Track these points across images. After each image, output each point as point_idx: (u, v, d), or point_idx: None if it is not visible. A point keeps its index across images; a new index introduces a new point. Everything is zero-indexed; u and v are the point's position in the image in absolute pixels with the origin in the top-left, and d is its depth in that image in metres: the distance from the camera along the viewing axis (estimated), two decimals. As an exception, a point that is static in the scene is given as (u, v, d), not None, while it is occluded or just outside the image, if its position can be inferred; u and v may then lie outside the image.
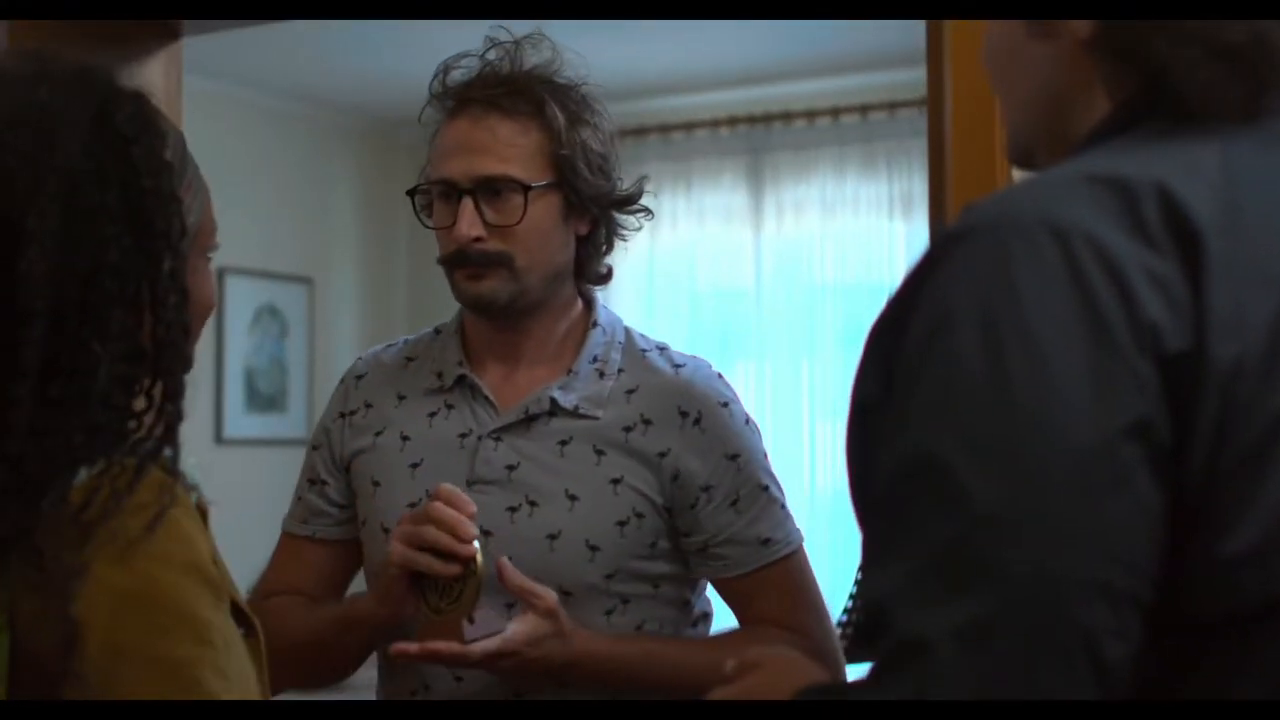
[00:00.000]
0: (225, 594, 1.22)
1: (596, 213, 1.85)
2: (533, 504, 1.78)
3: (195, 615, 1.17)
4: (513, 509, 1.77)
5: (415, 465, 1.83)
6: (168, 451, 1.21)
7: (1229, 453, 0.88)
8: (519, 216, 1.79)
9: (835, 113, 5.64)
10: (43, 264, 1.15)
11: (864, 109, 5.59)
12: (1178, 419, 0.88)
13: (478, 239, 1.78)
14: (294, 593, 1.88)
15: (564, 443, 1.81)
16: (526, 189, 1.80)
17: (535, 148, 1.81)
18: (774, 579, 1.85)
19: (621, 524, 1.79)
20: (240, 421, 5.86)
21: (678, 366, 1.88)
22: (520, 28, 1.88)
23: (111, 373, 1.18)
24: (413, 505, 1.77)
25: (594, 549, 1.78)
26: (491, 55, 1.83)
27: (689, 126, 5.86)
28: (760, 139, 5.79)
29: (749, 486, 1.84)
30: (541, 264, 1.82)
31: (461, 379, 1.85)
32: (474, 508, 1.69)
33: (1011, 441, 0.87)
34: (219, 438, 5.77)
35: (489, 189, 1.79)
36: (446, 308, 1.96)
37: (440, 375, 1.86)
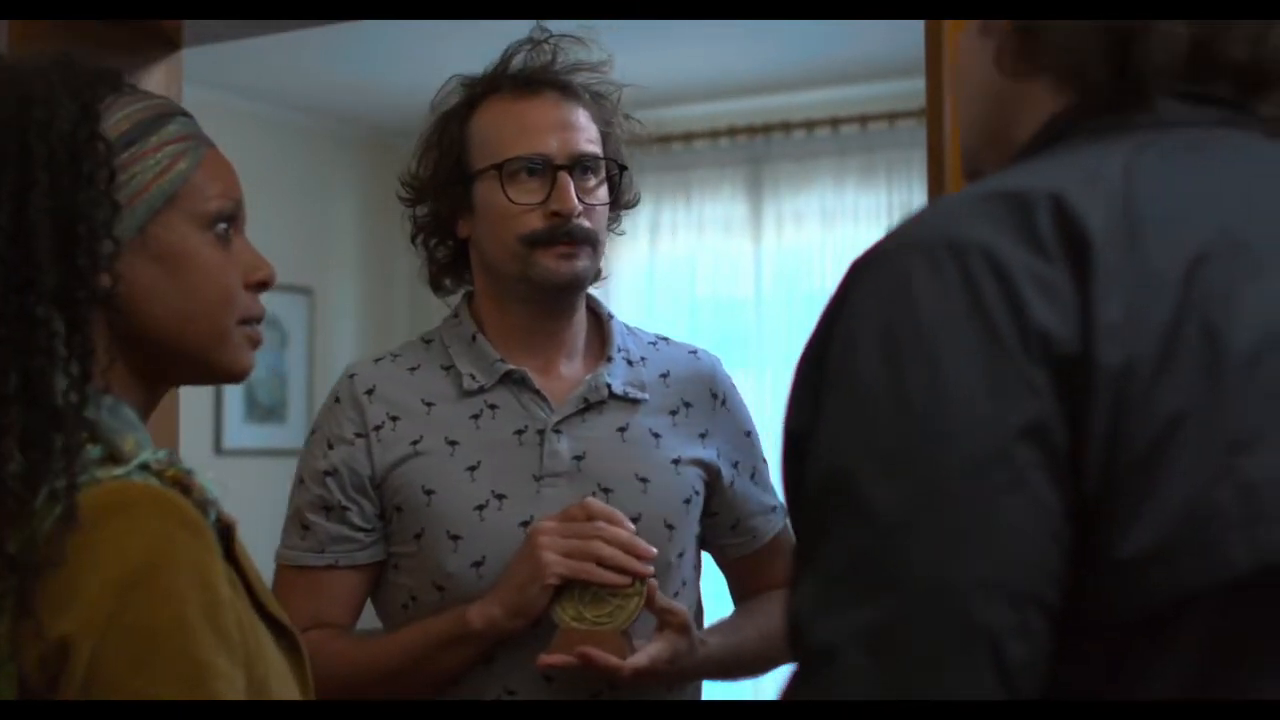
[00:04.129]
0: (234, 626, 1.13)
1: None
2: (606, 490, 1.79)
3: (188, 655, 1.09)
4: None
5: (472, 468, 1.79)
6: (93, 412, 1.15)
7: (1123, 455, 0.89)
8: (607, 197, 1.84)
9: (834, 123, 5.64)
10: None
11: (863, 120, 5.59)
12: (1072, 422, 0.89)
13: (579, 214, 1.79)
14: (321, 626, 1.80)
15: (622, 429, 1.84)
16: (621, 168, 1.85)
17: (599, 136, 1.86)
18: (781, 543, 1.94)
19: (687, 502, 1.84)
20: (240, 432, 5.86)
21: (692, 352, 1.96)
22: (525, 29, 1.90)
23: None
24: (479, 508, 1.77)
25: (670, 528, 1.81)
26: (546, 48, 1.85)
27: (688, 137, 5.87)
28: (760, 149, 5.80)
29: (758, 460, 1.94)
30: (603, 246, 1.86)
31: (507, 375, 1.82)
32: (631, 525, 1.72)
33: (910, 449, 0.90)
34: (218, 448, 5.76)
35: (581, 167, 1.81)
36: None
37: (475, 376, 1.83)
